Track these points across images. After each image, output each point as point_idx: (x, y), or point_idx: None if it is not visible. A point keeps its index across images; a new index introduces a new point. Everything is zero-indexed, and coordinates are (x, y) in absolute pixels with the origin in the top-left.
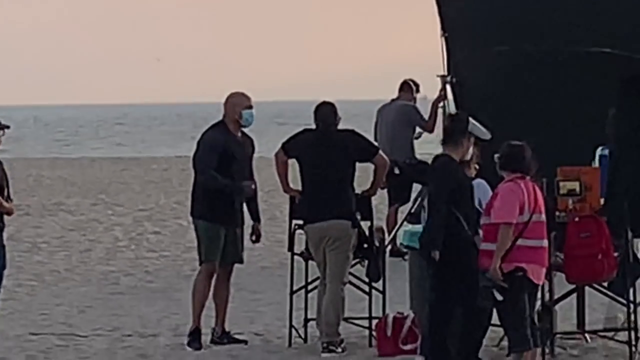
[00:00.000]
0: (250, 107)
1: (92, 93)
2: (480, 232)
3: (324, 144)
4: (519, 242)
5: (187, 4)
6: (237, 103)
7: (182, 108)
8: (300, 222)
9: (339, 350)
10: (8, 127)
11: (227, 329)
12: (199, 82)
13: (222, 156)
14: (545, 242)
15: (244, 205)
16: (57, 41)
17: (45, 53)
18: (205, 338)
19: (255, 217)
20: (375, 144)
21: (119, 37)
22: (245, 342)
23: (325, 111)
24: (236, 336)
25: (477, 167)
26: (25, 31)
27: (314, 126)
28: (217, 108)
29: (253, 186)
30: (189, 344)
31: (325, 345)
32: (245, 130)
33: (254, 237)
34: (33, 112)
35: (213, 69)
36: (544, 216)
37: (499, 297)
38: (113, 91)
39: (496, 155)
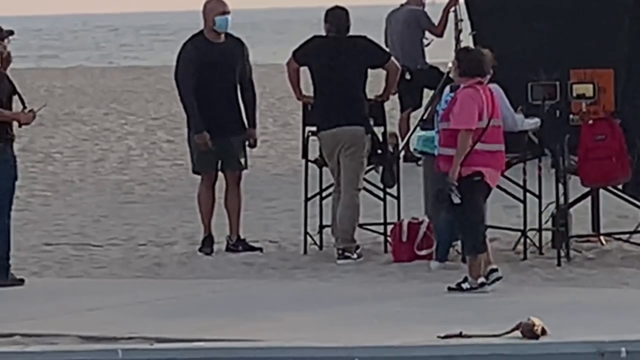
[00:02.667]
0: (225, 12)
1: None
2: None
3: (335, 51)
4: (478, 146)
5: None
6: (211, 9)
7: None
8: (314, 128)
9: (354, 256)
10: (12, 32)
11: (242, 237)
12: None
13: (200, 68)
14: (502, 147)
15: (242, 112)
16: None
17: None
18: (222, 246)
19: (251, 122)
20: (387, 49)
21: None
22: (261, 249)
23: (337, 15)
24: (251, 244)
25: (491, 70)
26: None
27: (323, 32)
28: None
29: (208, 139)
30: (200, 250)
31: (340, 251)
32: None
33: (250, 143)
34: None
35: None
36: (500, 121)
37: (457, 200)
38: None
39: (450, 65)
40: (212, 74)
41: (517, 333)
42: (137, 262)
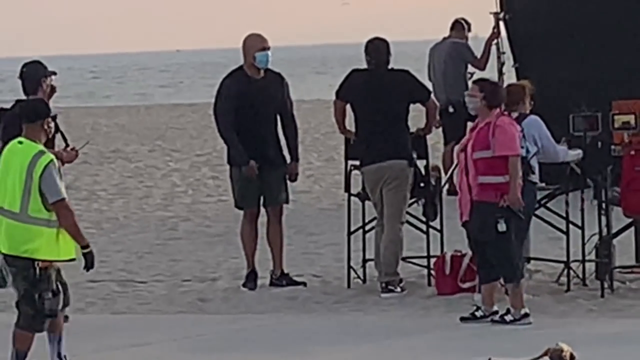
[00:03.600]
0: (265, 48)
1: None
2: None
3: (376, 85)
4: None
5: None
6: (252, 46)
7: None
8: (356, 162)
9: (398, 289)
10: (55, 73)
11: (285, 271)
12: (224, 27)
13: (239, 103)
14: None
15: (282, 146)
16: None
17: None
18: (265, 281)
19: (293, 156)
20: (428, 85)
21: None
22: (304, 283)
23: (377, 47)
24: (295, 278)
25: (532, 102)
26: None
27: (364, 66)
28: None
29: (255, 169)
30: (243, 285)
31: (384, 285)
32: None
33: (291, 177)
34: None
35: (241, 13)
36: None
37: (503, 228)
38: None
39: (472, 96)
40: (251, 110)
41: (546, 359)
42: (181, 298)
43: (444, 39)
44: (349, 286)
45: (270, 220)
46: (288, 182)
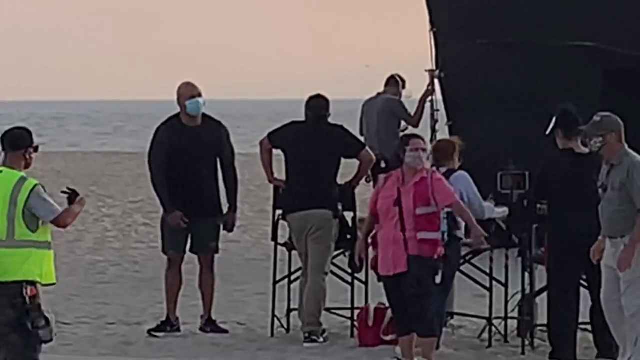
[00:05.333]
0: (194, 96)
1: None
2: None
3: (311, 137)
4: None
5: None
6: (182, 94)
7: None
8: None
9: (321, 340)
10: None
11: (213, 318)
12: (176, 79)
13: (170, 150)
14: None
15: (218, 195)
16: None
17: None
18: (190, 327)
19: (231, 206)
20: (361, 138)
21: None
22: (227, 331)
23: (318, 103)
24: (220, 325)
25: (461, 159)
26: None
27: (302, 118)
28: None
29: (180, 219)
30: (149, 332)
31: (307, 335)
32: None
33: (227, 227)
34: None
35: (199, 67)
36: None
37: (439, 281)
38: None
39: (424, 150)
40: (182, 157)
41: None
42: (105, 341)
43: (378, 94)
44: (272, 335)
45: (202, 267)
46: (221, 231)
